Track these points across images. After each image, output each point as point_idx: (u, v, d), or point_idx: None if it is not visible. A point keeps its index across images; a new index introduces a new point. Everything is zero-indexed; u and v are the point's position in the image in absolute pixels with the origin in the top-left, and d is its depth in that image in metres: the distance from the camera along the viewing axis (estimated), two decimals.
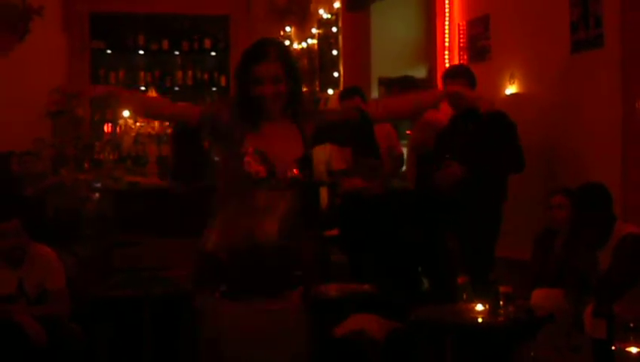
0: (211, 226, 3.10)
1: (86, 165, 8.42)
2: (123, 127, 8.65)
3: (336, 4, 8.46)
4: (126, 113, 8.55)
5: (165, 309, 5.45)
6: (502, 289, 4.35)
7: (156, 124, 8.50)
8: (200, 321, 3.10)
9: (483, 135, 5.24)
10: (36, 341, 4.54)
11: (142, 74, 10.04)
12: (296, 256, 3.13)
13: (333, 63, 8.44)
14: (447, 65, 6.90)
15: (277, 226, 3.05)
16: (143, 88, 9.61)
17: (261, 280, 3.05)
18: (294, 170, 3.09)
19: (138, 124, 8.47)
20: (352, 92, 6.37)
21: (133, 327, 5.41)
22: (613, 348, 3.48)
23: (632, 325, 3.63)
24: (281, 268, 3.08)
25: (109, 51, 9.95)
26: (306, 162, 3.14)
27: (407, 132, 6.93)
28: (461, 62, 6.80)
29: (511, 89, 6.10)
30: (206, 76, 10.27)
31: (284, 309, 3.08)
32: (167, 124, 8.53)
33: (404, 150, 6.71)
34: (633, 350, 3.53)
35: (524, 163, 5.29)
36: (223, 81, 10.20)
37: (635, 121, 5.09)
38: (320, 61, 8.85)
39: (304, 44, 9.16)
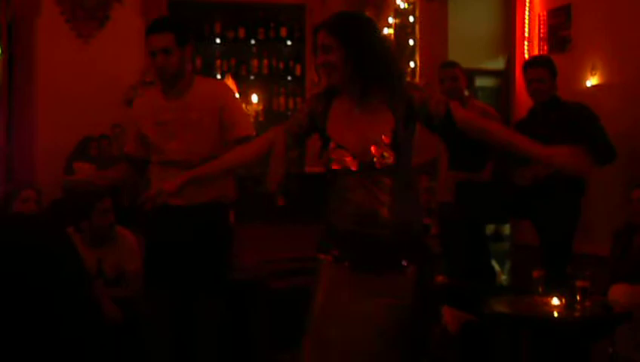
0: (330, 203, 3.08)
1: None
2: None
3: None
4: None
5: (239, 295, 5.49)
6: (579, 283, 4.27)
7: None
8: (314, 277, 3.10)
9: (566, 125, 5.14)
10: (113, 320, 4.62)
11: (218, 62, 10.11)
12: (404, 241, 3.00)
13: (410, 53, 8.37)
14: (527, 56, 6.79)
15: (381, 210, 2.96)
16: (219, 76, 9.68)
17: (369, 258, 3.00)
18: (383, 153, 2.95)
19: None
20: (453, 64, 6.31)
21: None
22: None
23: None
24: (390, 251, 2.99)
25: None
26: (397, 143, 2.96)
27: None
28: (541, 52, 6.68)
29: (592, 80, 5.97)
30: (282, 65, 10.29)
31: (385, 286, 2.98)
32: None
33: None
34: None
35: (615, 152, 5.15)
36: (298, 70, 10.22)
37: None
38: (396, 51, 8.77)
39: None
